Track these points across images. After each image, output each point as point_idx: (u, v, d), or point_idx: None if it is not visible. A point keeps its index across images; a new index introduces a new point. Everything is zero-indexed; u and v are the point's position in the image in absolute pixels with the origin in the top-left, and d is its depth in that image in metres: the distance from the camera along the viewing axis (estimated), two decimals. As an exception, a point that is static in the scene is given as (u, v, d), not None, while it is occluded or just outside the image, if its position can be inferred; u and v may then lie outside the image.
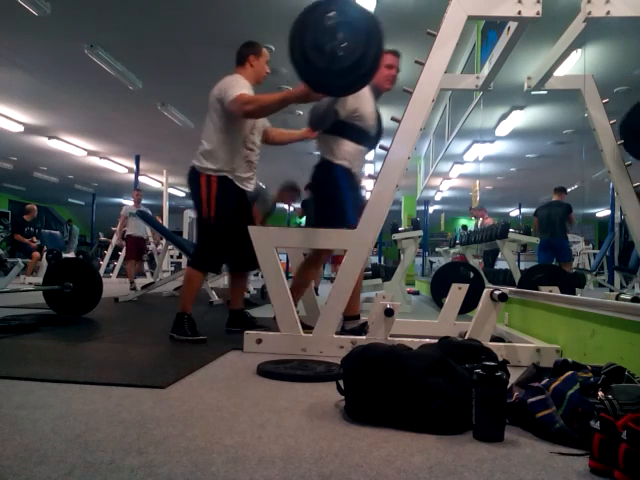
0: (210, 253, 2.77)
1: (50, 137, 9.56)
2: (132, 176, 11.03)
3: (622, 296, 3.58)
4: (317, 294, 4.61)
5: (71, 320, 3.34)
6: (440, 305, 3.96)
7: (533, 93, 3.52)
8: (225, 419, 1.35)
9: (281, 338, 2.38)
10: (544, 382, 1.35)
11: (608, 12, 2.46)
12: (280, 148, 3.71)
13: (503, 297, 2.25)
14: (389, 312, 2.26)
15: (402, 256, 5.55)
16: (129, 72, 6.26)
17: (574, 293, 3.87)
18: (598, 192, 8.71)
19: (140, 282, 6.75)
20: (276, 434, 1.24)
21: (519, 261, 9.61)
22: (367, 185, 4.51)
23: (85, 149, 10.48)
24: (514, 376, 1.49)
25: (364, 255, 2.43)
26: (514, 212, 14.74)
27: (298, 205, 7.58)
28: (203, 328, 3.55)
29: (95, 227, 15.61)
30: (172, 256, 10.23)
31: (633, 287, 7.23)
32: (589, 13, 2.48)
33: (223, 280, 7.94)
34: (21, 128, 8.80)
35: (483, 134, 8.00)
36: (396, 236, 5.40)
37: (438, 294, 4.89)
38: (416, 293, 8.29)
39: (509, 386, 1.38)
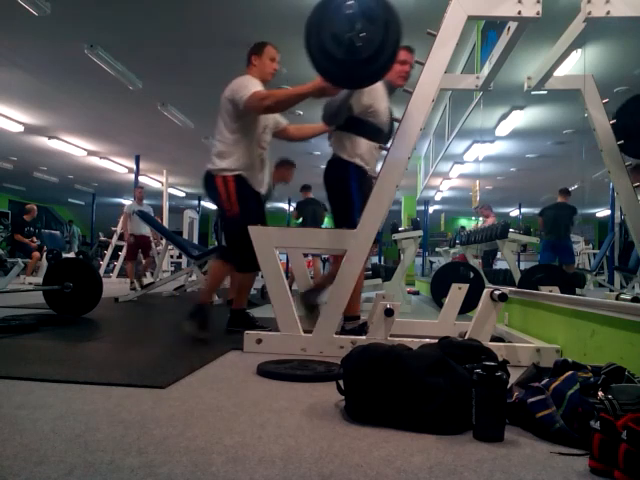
0: (242, 247, 2.70)
1: (50, 137, 9.56)
2: (132, 176, 11.03)
3: (622, 296, 3.57)
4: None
5: (71, 320, 3.34)
6: (440, 305, 3.96)
7: (533, 93, 3.52)
8: (225, 419, 1.35)
9: (281, 338, 2.38)
10: (544, 382, 1.35)
11: (608, 12, 2.46)
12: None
13: (503, 297, 2.25)
14: (389, 312, 2.26)
15: (402, 256, 5.55)
16: (129, 72, 6.26)
17: (574, 293, 3.88)
18: (598, 192, 8.71)
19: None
20: (276, 434, 1.24)
21: (519, 261, 9.61)
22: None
23: (85, 149, 10.48)
24: (514, 376, 1.49)
25: (364, 255, 2.43)
26: (514, 212, 14.74)
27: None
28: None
29: (95, 227, 15.61)
30: (172, 256, 10.24)
31: (633, 287, 7.22)
32: (589, 13, 2.48)
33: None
34: (21, 128, 8.80)
35: (483, 134, 8.00)
36: (396, 236, 5.40)
37: (438, 294, 4.89)
38: (416, 293, 8.30)
39: (509, 386, 1.38)
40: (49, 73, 6.53)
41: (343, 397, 1.44)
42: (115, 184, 14.28)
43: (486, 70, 3.25)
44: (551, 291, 2.84)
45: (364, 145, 2.71)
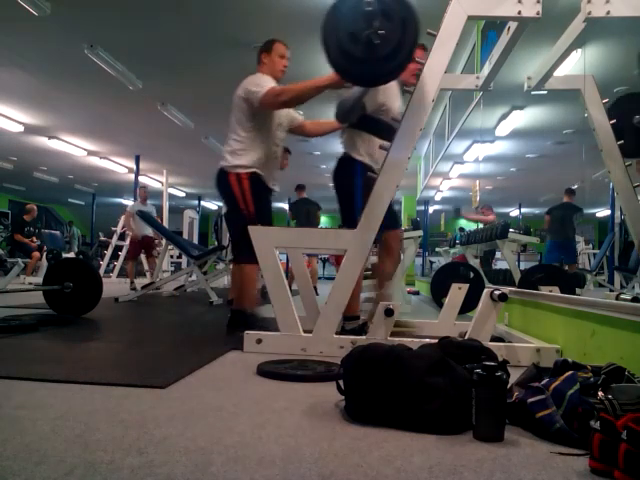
0: None
1: (50, 137, 9.55)
2: (132, 176, 11.02)
3: (622, 296, 3.58)
4: (317, 294, 4.60)
5: (71, 320, 3.34)
6: (440, 305, 3.96)
7: (533, 93, 3.51)
8: (225, 419, 1.35)
9: (281, 338, 2.38)
10: (544, 382, 1.35)
11: (608, 12, 2.46)
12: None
13: (503, 297, 2.25)
14: (389, 312, 2.26)
15: (402, 256, 5.55)
16: (129, 72, 6.26)
17: (574, 293, 3.87)
18: (598, 192, 8.71)
19: (140, 282, 6.75)
20: (276, 434, 1.24)
21: (519, 261, 9.61)
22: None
23: (85, 149, 10.47)
24: (514, 376, 1.49)
25: (364, 255, 2.43)
26: (514, 212, 14.74)
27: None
28: (203, 328, 3.56)
29: (95, 227, 15.61)
30: (172, 256, 10.25)
31: (633, 287, 7.21)
32: (589, 13, 2.48)
33: (223, 280, 7.95)
34: (21, 128, 8.80)
35: (483, 134, 8.00)
36: (396, 236, 5.38)
37: (438, 294, 4.89)
38: (416, 293, 8.29)
39: (509, 386, 1.38)
40: (49, 73, 6.53)
41: (343, 397, 1.44)
42: (115, 184, 14.28)
43: (486, 70, 3.25)
44: (551, 291, 2.84)
45: (375, 144, 2.70)
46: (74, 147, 10.20)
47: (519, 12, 2.31)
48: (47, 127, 9.00)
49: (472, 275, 4.70)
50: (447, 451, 1.16)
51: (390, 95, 2.67)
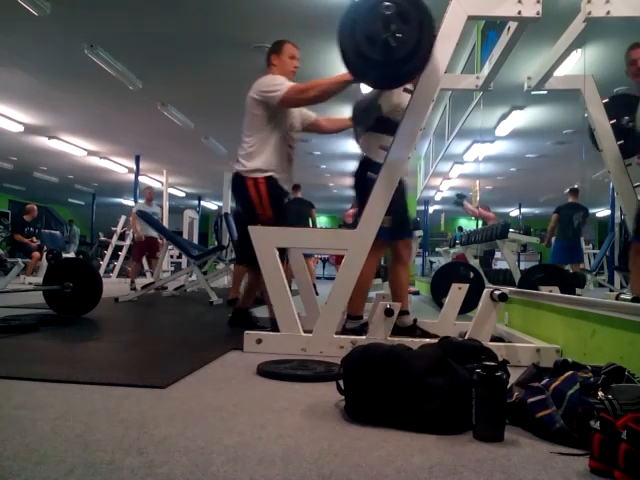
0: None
1: (50, 137, 9.56)
2: (132, 176, 11.03)
3: (622, 296, 3.58)
4: (317, 294, 4.60)
5: (71, 320, 3.33)
6: (440, 305, 3.96)
7: (533, 93, 3.51)
8: (225, 419, 1.35)
9: (281, 338, 2.38)
10: (544, 382, 1.35)
11: (608, 12, 2.46)
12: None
13: (503, 297, 2.25)
14: (389, 312, 2.26)
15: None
16: (129, 72, 6.26)
17: (574, 293, 3.87)
18: (598, 192, 8.71)
19: (140, 282, 6.75)
20: (276, 434, 1.24)
21: (519, 261, 9.61)
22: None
23: (85, 149, 10.48)
24: (514, 376, 1.49)
25: (364, 255, 2.42)
26: (514, 212, 14.74)
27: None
28: (203, 328, 3.56)
29: (95, 227, 15.61)
30: (172, 256, 10.25)
31: (633, 287, 7.21)
32: (589, 13, 2.48)
33: (223, 280, 7.95)
34: (21, 128, 8.80)
35: (483, 134, 8.00)
36: (396, 236, 5.38)
37: (438, 294, 4.89)
38: (416, 293, 8.29)
39: (509, 386, 1.38)
40: (49, 73, 6.53)
41: (343, 397, 1.44)
42: (115, 184, 14.28)
43: (486, 70, 3.25)
44: (551, 291, 2.84)
45: None
46: (74, 147, 10.20)
47: (519, 12, 2.31)
48: (47, 127, 9.00)
49: (472, 275, 4.70)
50: (447, 451, 1.16)
51: (405, 96, 2.67)
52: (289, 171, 2.91)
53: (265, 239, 2.44)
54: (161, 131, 8.91)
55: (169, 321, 3.98)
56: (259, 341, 2.38)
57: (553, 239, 7.04)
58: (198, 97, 7.22)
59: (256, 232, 2.45)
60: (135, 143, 9.97)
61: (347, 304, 2.74)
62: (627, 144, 3.17)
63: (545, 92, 3.54)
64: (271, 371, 1.89)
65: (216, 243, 7.88)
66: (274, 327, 2.46)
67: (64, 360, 2.09)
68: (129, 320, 3.93)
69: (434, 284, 5.18)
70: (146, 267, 9.04)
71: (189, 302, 5.61)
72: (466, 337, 2.22)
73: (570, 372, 1.33)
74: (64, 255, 9.50)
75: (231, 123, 8.11)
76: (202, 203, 16.50)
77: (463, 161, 9.88)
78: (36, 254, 8.59)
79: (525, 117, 7.43)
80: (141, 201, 8.31)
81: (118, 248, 10.58)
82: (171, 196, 12.25)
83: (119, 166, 12.00)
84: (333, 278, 2.67)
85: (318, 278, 9.38)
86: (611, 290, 7.05)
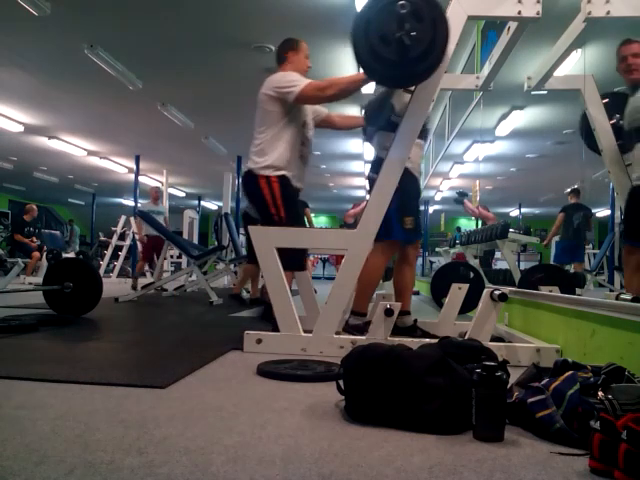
0: (295, 252, 2.67)
1: (50, 137, 9.56)
2: (132, 176, 11.02)
3: (622, 296, 3.57)
4: (316, 293, 4.60)
5: (71, 320, 3.33)
6: (440, 305, 3.96)
7: (533, 93, 3.52)
8: (225, 419, 1.35)
9: (281, 338, 2.38)
10: (544, 382, 1.35)
11: (608, 12, 2.46)
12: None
13: (503, 297, 2.25)
14: (389, 312, 2.26)
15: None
16: (129, 72, 6.26)
17: (574, 293, 3.87)
18: (598, 192, 8.71)
19: (140, 282, 6.75)
20: (276, 434, 1.23)
21: (519, 261, 9.61)
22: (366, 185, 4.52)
23: (85, 149, 10.48)
24: (514, 376, 1.49)
25: (364, 255, 2.42)
26: (514, 212, 14.75)
27: None
28: (203, 328, 3.56)
29: (95, 227, 15.61)
30: (172, 256, 10.25)
31: (633, 287, 7.21)
32: (589, 13, 2.48)
33: (223, 280, 7.95)
34: (21, 128, 8.80)
35: (483, 134, 8.00)
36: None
37: (438, 294, 4.89)
38: (416, 293, 8.28)
39: (509, 386, 1.38)
40: (49, 73, 6.53)
41: (343, 397, 1.44)
42: (115, 184, 14.29)
43: (486, 70, 3.25)
44: (551, 291, 2.84)
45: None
46: (74, 147, 10.20)
47: (519, 12, 2.31)
48: (47, 127, 9.00)
49: (472, 275, 4.70)
50: (447, 451, 1.16)
51: None
52: (302, 169, 2.86)
53: (265, 239, 2.44)
54: (161, 131, 8.91)
55: (169, 321, 3.98)
56: (259, 341, 2.38)
57: (556, 239, 7.04)
58: (198, 97, 7.22)
59: (256, 232, 2.45)
60: (135, 143, 9.97)
61: (353, 299, 2.75)
62: (617, 142, 3.19)
63: (545, 92, 3.54)
64: (271, 371, 1.89)
65: (216, 243, 7.89)
66: (274, 327, 2.46)
67: (64, 360, 2.09)
68: (129, 320, 3.93)
69: (434, 284, 5.18)
70: (146, 267, 9.03)
71: (189, 302, 5.62)
72: (466, 337, 2.22)
73: (570, 372, 1.33)
74: (64, 255, 9.50)
75: (231, 123, 8.17)
76: (202, 203, 16.49)
77: (463, 161, 9.89)
78: (36, 254, 8.59)
79: (525, 117, 7.43)
80: (145, 201, 8.31)
81: (118, 248, 10.58)
82: (171, 196, 12.27)
83: (119, 166, 12.01)
84: (333, 278, 2.66)
85: (318, 278, 9.37)
86: (611, 290, 7.05)
